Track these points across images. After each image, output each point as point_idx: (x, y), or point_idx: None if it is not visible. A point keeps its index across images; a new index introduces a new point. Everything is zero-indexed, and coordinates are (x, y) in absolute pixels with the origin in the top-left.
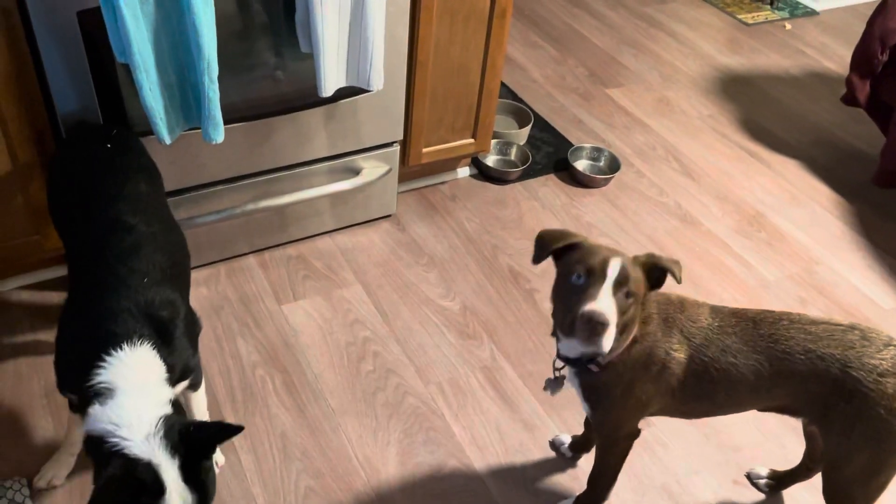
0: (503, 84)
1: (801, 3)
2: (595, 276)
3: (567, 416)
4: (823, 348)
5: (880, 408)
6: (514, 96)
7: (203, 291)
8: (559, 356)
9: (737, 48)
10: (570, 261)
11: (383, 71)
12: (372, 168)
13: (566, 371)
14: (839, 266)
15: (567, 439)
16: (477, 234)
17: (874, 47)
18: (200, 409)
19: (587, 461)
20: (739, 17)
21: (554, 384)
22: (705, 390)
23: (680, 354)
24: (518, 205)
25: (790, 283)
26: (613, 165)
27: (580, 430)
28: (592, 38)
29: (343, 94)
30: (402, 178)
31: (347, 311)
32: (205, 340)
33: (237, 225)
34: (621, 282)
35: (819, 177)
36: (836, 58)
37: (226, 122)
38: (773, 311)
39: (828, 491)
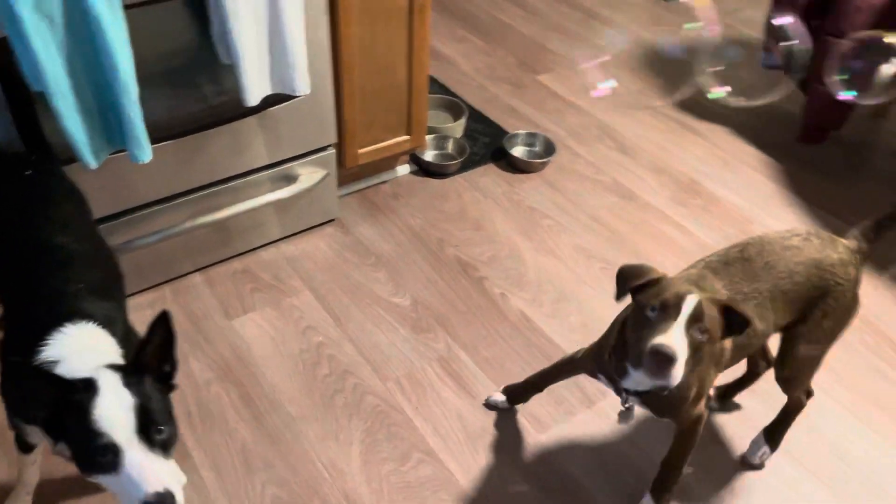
0: (434, 79)
1: None
2: (669, 310)
3: None
4: (806, 257)
5: (849, 293)
6: (447, 91)
7: (150, 314)
8: (626, 391)
9: (661, 25)
10: (648, 294)
11: (308, 75)
12: (309, 174)
13: (632, 400)
14: (772, 222)
15: (501, 397)
16: (422, 229)
17: (784, 10)
18: None
19: (550, 438)
20: None
21: (626, 415)
22: (747, 343)
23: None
24: (460, 196)
25: (728, 245)
26: (549, 149)
27: (538, 406)
28: (518, 27)
29: (271, 101)
30: (343, 181)
31: (299, 318)
32: None
33: (178, 244)
34: (696, 318)
35: (748, 140)
36: (756, 25)
37: (154, 140)
38: (746, 242)
39: (786, 376)
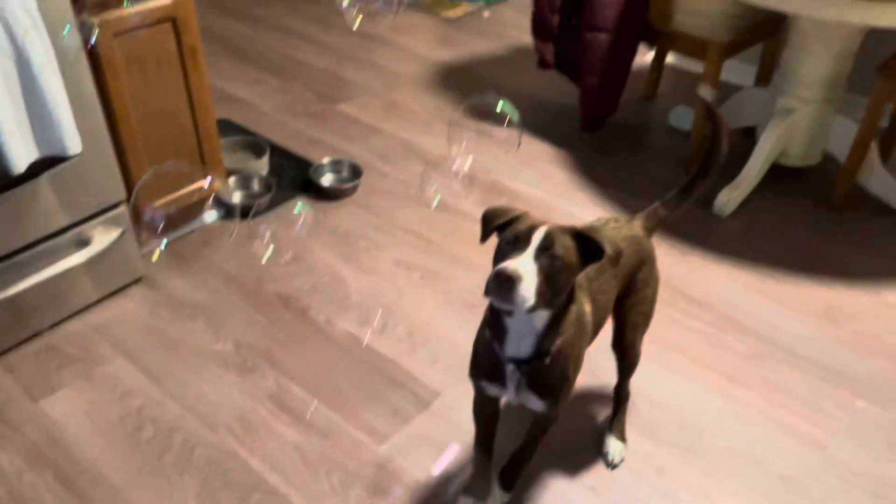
0: (232, 123)
1: None
2: (521, 241)
3: (359, 411)
4: (626, 234)
5: (654, 260)
6: (247, 132)
7: None
8: (509, 360)
9: (447, 43)
10: (506, 231)
11: (78, 133)
12: (102, 235)
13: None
14: (570, 207)
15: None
16: (238, 272)
17: (545, 13)
18: None
19: (390, 448)
20: (443, 14)
21: (514, 381)
22: (601, 317)
23: (588, 305)
24: (273, 233)
25: None
26: (356, 173)
27: (374, 418)
28: (312, 62)
29: (45, 165)
30: None
31: (114, 386)
32: None
33: None
34: (545, 246)
35: (539, 138)
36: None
37: None
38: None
39: (624, 345)
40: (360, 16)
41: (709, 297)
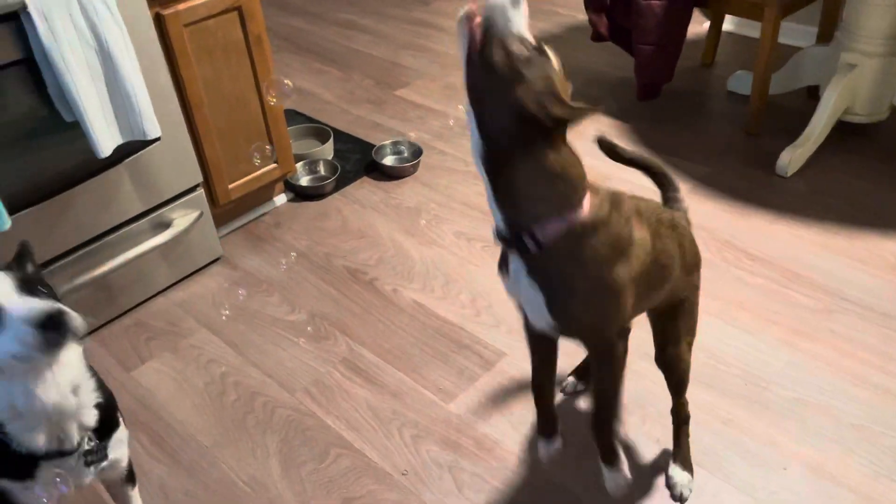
0: (298, 112)
1: None
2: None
3: (427, 372)
4: (690, 233)
5: (700, 267)
6: (311, 120)
7: None
8: (497, 235)
9: None
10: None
11: (156, 119)
12: (182, 217)
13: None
14: (627, 175)
15: (543, 445)
16: (308, 249)
17: None
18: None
19: (458, 406)
20: None
21: (503, 268)
22: (656, 277)
23: (645, 234)
24: (340, 212)
25: None
26: (416, 152)
27: (442, 378)
28: (370, 51)
29: (128, 151)
30: (222, 220)
31: (199, 355)
32: None
33: None
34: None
35: None
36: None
37: (12, 209)
38: (672, 217)
39: (670, 359)
40: None
41: (772, 254)
